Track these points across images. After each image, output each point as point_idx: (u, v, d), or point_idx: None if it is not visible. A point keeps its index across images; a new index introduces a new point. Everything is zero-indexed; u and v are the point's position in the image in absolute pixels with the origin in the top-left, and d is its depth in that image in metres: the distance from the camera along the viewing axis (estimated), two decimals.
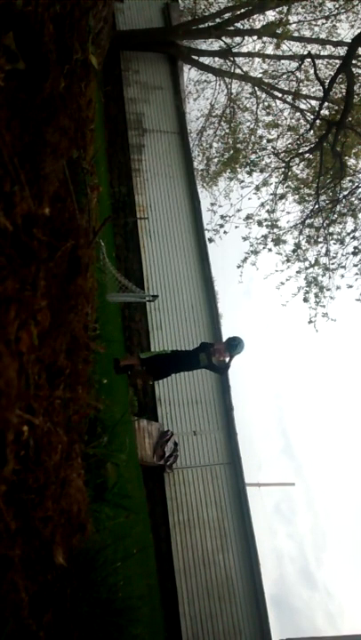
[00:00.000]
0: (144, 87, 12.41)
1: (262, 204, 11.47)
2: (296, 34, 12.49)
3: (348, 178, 11.03)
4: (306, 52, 11.85)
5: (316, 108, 11.31)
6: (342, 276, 10.47)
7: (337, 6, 12.04)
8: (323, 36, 12.73)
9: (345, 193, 10.65)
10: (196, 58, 13.58)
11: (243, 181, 12.24)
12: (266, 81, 13.30)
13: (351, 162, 11.58)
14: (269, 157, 12.14)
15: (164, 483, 8.73)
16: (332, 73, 10.51)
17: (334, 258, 10.63)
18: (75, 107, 2.15)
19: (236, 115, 14.22)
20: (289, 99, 13.25)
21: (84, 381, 2.26)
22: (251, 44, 13.59)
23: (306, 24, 12.71)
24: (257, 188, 11.51)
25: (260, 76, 13.50)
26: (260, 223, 11.22)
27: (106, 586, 2.04)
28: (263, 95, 13.51)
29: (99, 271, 5.27)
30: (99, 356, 3.46)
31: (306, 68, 12.44)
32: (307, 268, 10.92)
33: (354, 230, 10.58)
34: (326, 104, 11.01)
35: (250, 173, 12.00)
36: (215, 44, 13.46)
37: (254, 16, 12.10)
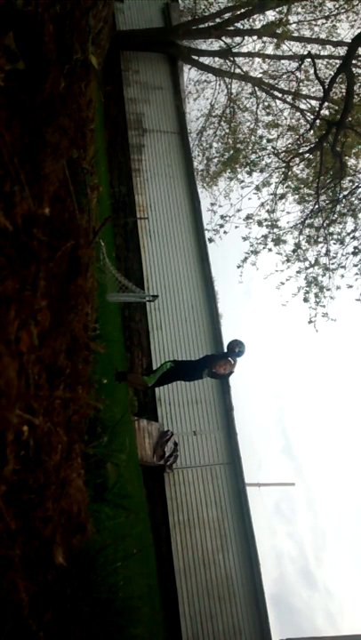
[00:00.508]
0: (144, 87, 12.41)
1: (262, 204, 11.48)
2: (296, 34, 12.49)
3: (349, 178, 11.03)
4: (306, 52, 11.86)
5: (316, 108, 11.31)
6: (342, 276, 10.48)
7: (337, 6, 12.04)
8: (323, 36, 12.74)
9: (345, 193, 10.65)
10: (196, 58, 13.58)
11: (243, 181, 12.26)
12: (266, 81, 13.30)
13: (351, 162, 11.59)
14: (269, 157, 12.15)
15: (164, 483, 8.73)
16: (332, 73, 10.51)
17: (334, 258, 10.65)
18: (75, 107, 2.15)
19: (236, 115, 14.22)
20: (289, 99, 13.25)
21: (84, 381, 2.26)
22: (251, 44, 13.61)
23: (306, 24, 12.72)
24: (257, 188, 11.52)
25: (260, 76, 13.51)
26: (260, 223, 11.23)
27: (106, 586, 2.04)
28: (263, 95, 13.52)
29: (99, 271, 5.27)
30: (99, 356, 3.46)
31: (306, 68, 12.44)
32: (307, 268, 10.93)
33: (354, 230, 10.59)
34: (326, 104, 11.01)
35: (250, 173, 12.01)
36: (215, 44, 13.47)
37: (254, 16, 12.10)
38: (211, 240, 11.37)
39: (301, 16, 12.51)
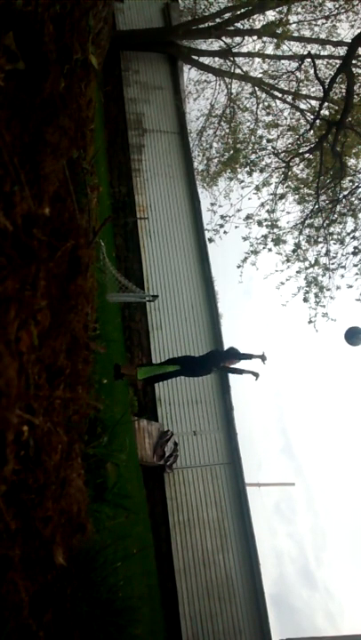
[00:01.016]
0: (144, 87, 12.42)
1: (262, 204, 11.47)
2: (296, 34, 12.48)
3: (349, 178, 11.02)
4: (306, 52, 11.85)
5: (316, 108, 11.30)
6: (342, 276, 10.46)
7: (337, 6, 12.03)
8: (323, 36, 12.73)
9: (345, 193, 10.64)
10: (196, 58, 13.58)
11: (243, 181, 12.25)
12: (266, 81, 13.29)
13: (351, 162, 11.57)
14: (269, 157, 12.14)
15: (164, 483, 8.73)
16: (332, 73, 10.51)
17: (334, 258, 10.63)
18: (75, 107, 2.15)
19: (236, 115, 14.21)
20: (289, 99, 13.24)
21: (84, 381, 2.26)
22: (251, 44, 13.59)
23: (306, 24, 12.70)
24: (257, 188, 11.51)
25: (260, 75, 13.49)
26: (260, 223, 11.22)
27: (106, 586, 2.04)
28: (263, 95, 13.50)
29: (99, 271, 5.27)
30: (99, 356, 3.46)
31: (306, 68, 12.43)
32: (307, 268, 10.92)
33: (354, 230, 10.57)
34: (326, 104, 11.00)
35: (250, 173, 12.00)
36: (215, 44, 13.46)
37: (254, 16, 12.09)
38: (211, 240, 11.36)
39: (301, 16, 12.51)
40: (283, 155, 11.75)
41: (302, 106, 12.97)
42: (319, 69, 11.67)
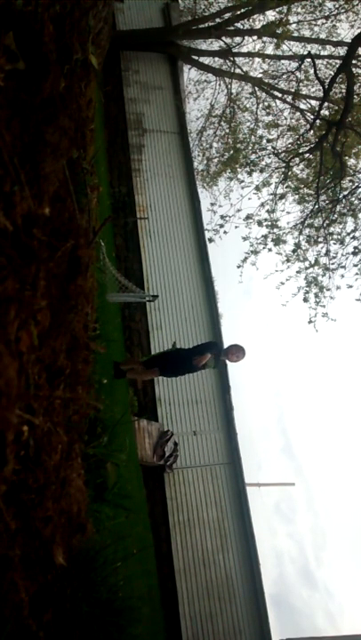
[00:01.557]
0: (144, 87, 12.41)
1: (262, 204, 11.47)
2: (296, 34, 12.47)
3: (349, 178, 11.02)
4: (306, 52, 11.84)
5: (316, 108, 11.30)
6: (342, 276, 10.46)
7: (337, 6, 12.02)
8: (323, 36, 12.72)
9: (345, 193, 10.64)
10: (196, 58, 13.58)
11: (243, 181, 12.25)
12: (266, 81, 13.29)
13: (351, 162, 11.58)
14: (269, 157, 12.14)
15: (164, 483, 8.73)
16: (333, 73, 10.50)
17: (334, 258, 10.63)
18: (75, 107, 2.15)
19: (236, 115, 14.21)
20: (289, 99, 13.24)
21: (84, 381, 2.26)
22: (251, 44, 13.61)
23: (306, 24, 12.70)
24: (257, 188, 11.51)
25: (260, 75, 13.49)
26: (260, 223, 11.22)
27: (106, 586, 2.04)
28: (263, 95, 13.50)
29: (99, 271, 5.27)
30: (99, 356, 3.46)
31: (306, 68, 12.42)
32: (307, 268, 10.91)
33: (354, 230, 10.57)
34: (326, 104, 11.00)
35: (250, 173, 12.00)
36: (215, 44, 13.46)
37: (254, 16, 12.10)
38: (211, 240, 11.36)
39: (301, 16, 12.50)
40: (283, 155, 11.75)
41: (302, 106, 12.98)
42: (319, 69, 11.67)
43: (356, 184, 10.89)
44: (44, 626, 1.48)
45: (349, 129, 10.16)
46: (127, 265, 10.27)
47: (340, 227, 10.87)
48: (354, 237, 10.48)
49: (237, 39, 13.17)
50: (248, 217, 11.24)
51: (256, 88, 13.41)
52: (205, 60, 13.84)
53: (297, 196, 11.86)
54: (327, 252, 10.79)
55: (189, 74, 14.87)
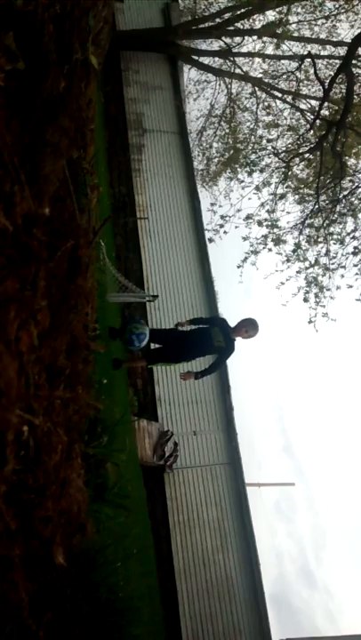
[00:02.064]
0: (144, 87, 12.41)
1: (262, 204, 11.48)
2: (296, 34, 12.47)
3: (349, 178, 11.02)
4: (306, 52, 11.84)
5: (316, 108, 11.30)
6: (342, 276, 10.47)
7: (337, 6, 12.03)
8: (323, 36, 12.72)
9: (345, 193, 10.64)
10: (196, 58, 13.58)
11: (243, 181, 12.26)
12: (266, 81, 13.30)
13: (351, 162, 11.58)
14: (269, 157, 12.15)
15: (164, 483, 8.73)
16: (332, 73, 10.50)
17: (334, 258, 10.64)
18: (75, 107, 2.14)
19: (236, 115, 14.22)
20: (289, 99, 13.24)
21: (84, 381, 2.26)
22: (251, 43, 13.59)
23: (306, 24, 12.70)
24: (257, 188, 11.52)
25: (260, 76, 13.50)
26: (260, 223, 11.23)
27: (106, 586, 2.04)
28: (263, 95, 13.51)
29: (99, 271, 5.26)
30: (99, 355, 3.46)
31: (306, 68, 12.43)
32: (307, 268, 10.93)
33: (354, 230, 10.58)
34: (326, 104, 11.00)
35: (250, 173, 12.01)
36: (215, 44, 13.46)
37: (254, 16, 12.09)
38: (211, 240, 11.38)
39: (301, 16, 12.50)
40: (283, 155, 11.75)
41: (302, 106, 12.98)
42: (319, 69, 11.67)
43: (357, 184, 10.90)
44: (43, 626, 1.48)
45: (349, 129, 10.17)
46: (127, 265, 10.27)
47: (340, 227, 10.89)
48: (354, 237, 10.50)
49: (237, 39, 13.17)
50: (248, 217, 11.26)
51: (256, 88, 13.42)
52: (205, 60, 13.84)
53: (297, 196, 11.87)
54: (327, 252, 10.80)
55: (189, 74, 14.89)
